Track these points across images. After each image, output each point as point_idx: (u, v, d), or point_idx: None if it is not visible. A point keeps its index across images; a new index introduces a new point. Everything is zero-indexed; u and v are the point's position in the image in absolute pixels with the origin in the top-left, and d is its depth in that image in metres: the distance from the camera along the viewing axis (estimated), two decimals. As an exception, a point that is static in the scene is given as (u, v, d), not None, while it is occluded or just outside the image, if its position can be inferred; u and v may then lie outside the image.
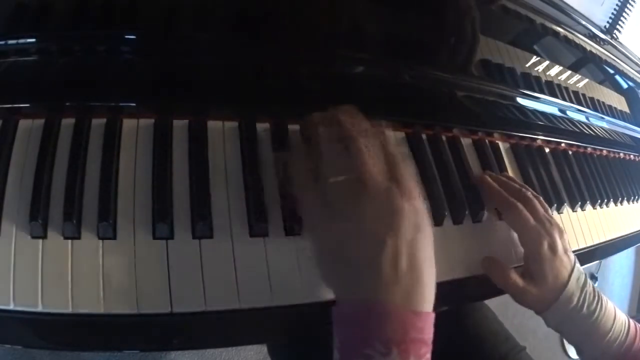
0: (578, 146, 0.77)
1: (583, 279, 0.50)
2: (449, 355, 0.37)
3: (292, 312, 0.41)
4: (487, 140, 0.61)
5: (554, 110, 0.72)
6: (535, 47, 0.67)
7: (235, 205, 0.42)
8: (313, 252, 0.39)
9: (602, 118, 0.82)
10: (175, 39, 0.46)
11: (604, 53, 0.77)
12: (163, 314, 0.37)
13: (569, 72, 0.73)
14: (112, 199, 0.39)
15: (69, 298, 0.36)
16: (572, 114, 0.75)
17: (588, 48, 0.74)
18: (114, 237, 0.39)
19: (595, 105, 0.80)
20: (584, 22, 0.70)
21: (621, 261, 2.54)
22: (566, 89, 0.73)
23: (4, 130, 0.40)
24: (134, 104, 0.44)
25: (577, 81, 0.75)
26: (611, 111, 0.85)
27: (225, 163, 0.44)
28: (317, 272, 0.39)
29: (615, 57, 0.80)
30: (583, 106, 0.76)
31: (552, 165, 0.68)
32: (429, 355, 0.35)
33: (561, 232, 0.51)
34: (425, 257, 0.36)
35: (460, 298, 0.41)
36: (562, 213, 0.64)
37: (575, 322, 0.49)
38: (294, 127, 0.48)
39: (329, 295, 0.42)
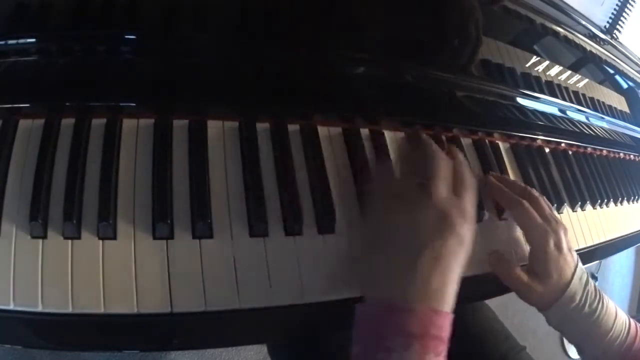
0: (578, 146, 0.77)
1: (585, 278, 0.51)
2: (449, 355, 0.38)
3: (292, 312, 0.41)
4: (487, 140, 0.61)
5: (554, 110, 0.72)
6: (535, 47, 0.67)
7: (235, 205, 0.43)
8: (359, 244, 0.43)
9: (602, 118, 0.82)
10: (175, 39, 0.46)
11: (604, 53, 0.77)
12: (163, 314, 0.37)
13: (569, 72, 0.73)
14: (112, 199, 0.39)
15: (69, 298, 0.36)
16: (572, 114, 0.75)
17: (588, 48, 0.74)
18: (114, 237, 0.39)
19: (595, 105, 0.80)
20: (584, 22, 0.70)
21: (621, 261, 2.54)
22: (566, 89, 0.73)
23: (4, 130, 0.40)
24: (134, 104, 0.44)
25: (577, 81, 0.75)
26: (611, 111, 0.85)
27: (225, 163, 0.44)
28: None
29: (615, 57, 0.80)
30: (583, 106, 0.76)
31: (552, 165, 0.68)
32: (445, 353, 0.37)
33: (566, 231, 0.51)
34: (457, 266, 0.40)
35: (460, 298, 0.42)
36: (562, 213, 0.64)
37: (577, 320, 0.50)
38: (294, 127, 0.48)
39: (328, 295, 0.42)
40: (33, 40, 0.42)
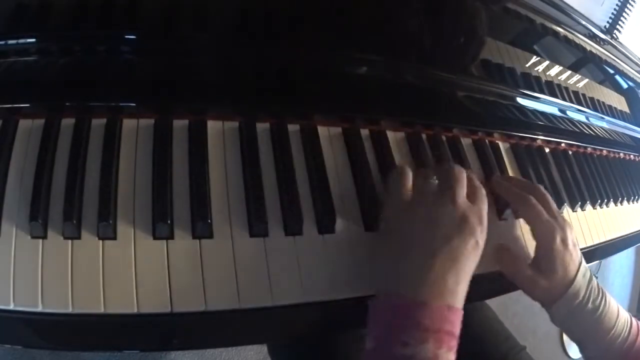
0: (578, 146, 0.77)
1: (589, 275, 0.51)
2: (449, 354, 0.38)
3: (292, 312, 0.41)
4: (487, 140, 0.61)
5: (554, 110, 0.72)
6: (535, 47, 0.67)
7: (235, 205, 0.43)
8: (382, 240, 0.44)
9: (602, 118, 0.82)
10: (175, 39, 0.46)
11: (604, 53, 0.77)
12: (163, 314, 0.37)
13: (569, 72, 0.73)
14: (112, 199, 0.39)
15: (69, 298, 0.36)
16: (572, 114, 0.75)
17: (588, 48, 0.74)
18: (114, 237, 0.39)
19: (595, 105, 0.80)
20: (584, 22, 0.70)
21: (621, 261, 2.54)
22: (566, 89, 0.73)
23: (4, 130, 0.40)
24: (134, 104, 0.44)
25: (577, 81, 0.75)
26: (611, 111, 0.85)
27: (225, 163, 0.44)
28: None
29: (615, 57, 0.80)
30: (583, 106, 0.76)
31: (552, 165, 0.68)
32: (455, 349, 0.39)
33: (571, 227, 0.52)
34: (470, 268, 0.42)
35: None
36: (562, 213, 0.64)
37: (580, 317, 0.50)
38: (294, 127, 0.48)
39: (328, 295, 0.42)
40: (33, 40, 0.42)
